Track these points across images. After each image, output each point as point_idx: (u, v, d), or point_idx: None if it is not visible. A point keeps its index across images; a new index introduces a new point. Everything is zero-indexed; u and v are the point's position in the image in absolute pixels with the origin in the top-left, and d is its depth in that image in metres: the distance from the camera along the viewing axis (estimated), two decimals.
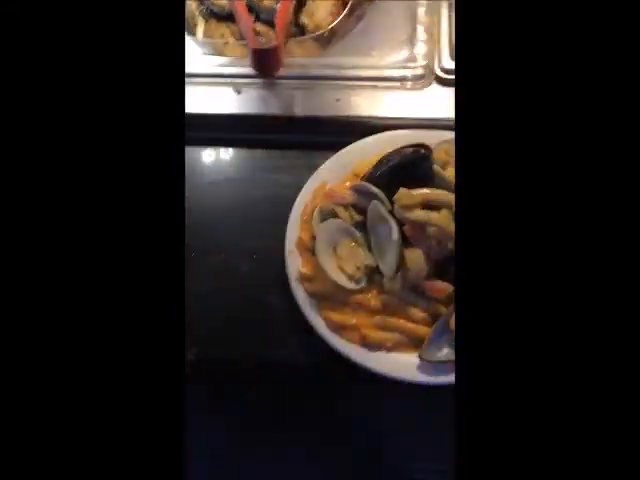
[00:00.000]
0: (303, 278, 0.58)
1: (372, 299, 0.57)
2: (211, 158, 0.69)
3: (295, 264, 0.59)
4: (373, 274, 0.58)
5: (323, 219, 0.60)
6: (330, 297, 0.58)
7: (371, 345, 0.56)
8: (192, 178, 0.67)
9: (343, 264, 0.58)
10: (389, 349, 0.56)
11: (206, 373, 0.58)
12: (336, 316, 0.57)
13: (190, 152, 0.68)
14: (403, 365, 0.55)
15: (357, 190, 0.60)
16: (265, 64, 0.65)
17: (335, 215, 0.60)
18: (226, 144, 0.69)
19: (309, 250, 0.60)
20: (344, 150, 0.64)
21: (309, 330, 0.57)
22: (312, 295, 0.58)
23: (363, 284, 0.58)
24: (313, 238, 0.60)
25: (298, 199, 0.62)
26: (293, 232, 0.60)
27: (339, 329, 0.56)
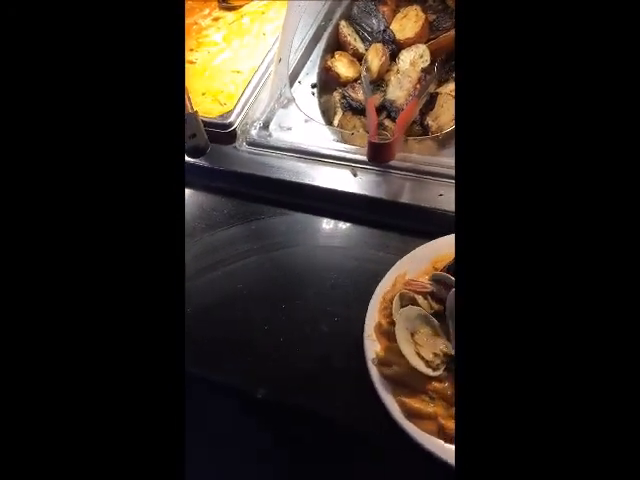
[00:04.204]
0: (380, 362, 0.60)
1: (450, 388, 0.57)
2: (320, 226, 0.80)
3: (372, 348, 0.61)
4: (451, 362, 0.58)
5: (403, 306, 0.63)
6: (407, 383, 0.58)
7: (449, 437, 0.54)
8: (304, 240, 0.78)
9: (421, 350, 0.59)
10: None
11: (271, 414, 0.66)
12: (413, 403, 0.57)
13: (305, 218, 0.79)
14: None
15: (436, 280, 0.64)
16: (378, 155, 0.75)
17: (414, 303, 0.63)
18: (334, 216, 0.79)
19: (386, 335, 0.62)
20: (425, 245, 0.69)
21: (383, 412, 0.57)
22: (388, 379, 0.59)
23: (441, 372, 0.58)
24: (391, 324, 0.62)
25: (378, 289, 0.66)
26: (372, 317, 0.64)
27: (415, 417, 0.56)
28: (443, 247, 0.68)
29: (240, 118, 0.83)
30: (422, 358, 0.59)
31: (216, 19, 1.03)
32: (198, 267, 0.78)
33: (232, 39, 1.00)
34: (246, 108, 0.84)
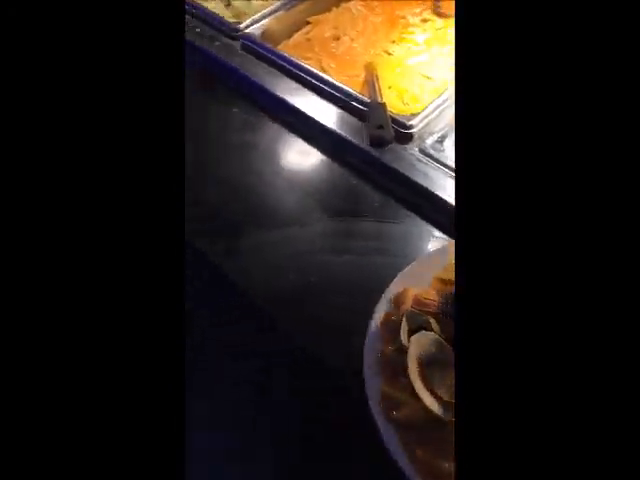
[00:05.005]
0: (387, 401, 0.49)
1: None
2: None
3: (373, 384, 0.49)
4: None
5: (412, 330, 0.52)
6: (422, 430, 0.47)
7: None
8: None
9: (436, 388, 0.49)
10: None
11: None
12: (431, 458, 0.46)
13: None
14: None
15: (449, 298, 0.53)
16: None
17: (426, 326, 0.52)
18: None
19: (391, 366, 0.51)
20: (425, 255, 0.61)
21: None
22: (396, 424, 0.48)
23: None
24: (398, 351, 0.51)
25: (378, 307, 0.55)
26: (372, 344, 0.52)
27: (432, 474, 0.45)
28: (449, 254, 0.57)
29: (422, 124, 0.84)
30: (436, 396, 0.49)
31: (425, 20, 1.04)
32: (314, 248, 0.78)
33: (433, 44, 1.00)
34: (430, 116, 0.85)
